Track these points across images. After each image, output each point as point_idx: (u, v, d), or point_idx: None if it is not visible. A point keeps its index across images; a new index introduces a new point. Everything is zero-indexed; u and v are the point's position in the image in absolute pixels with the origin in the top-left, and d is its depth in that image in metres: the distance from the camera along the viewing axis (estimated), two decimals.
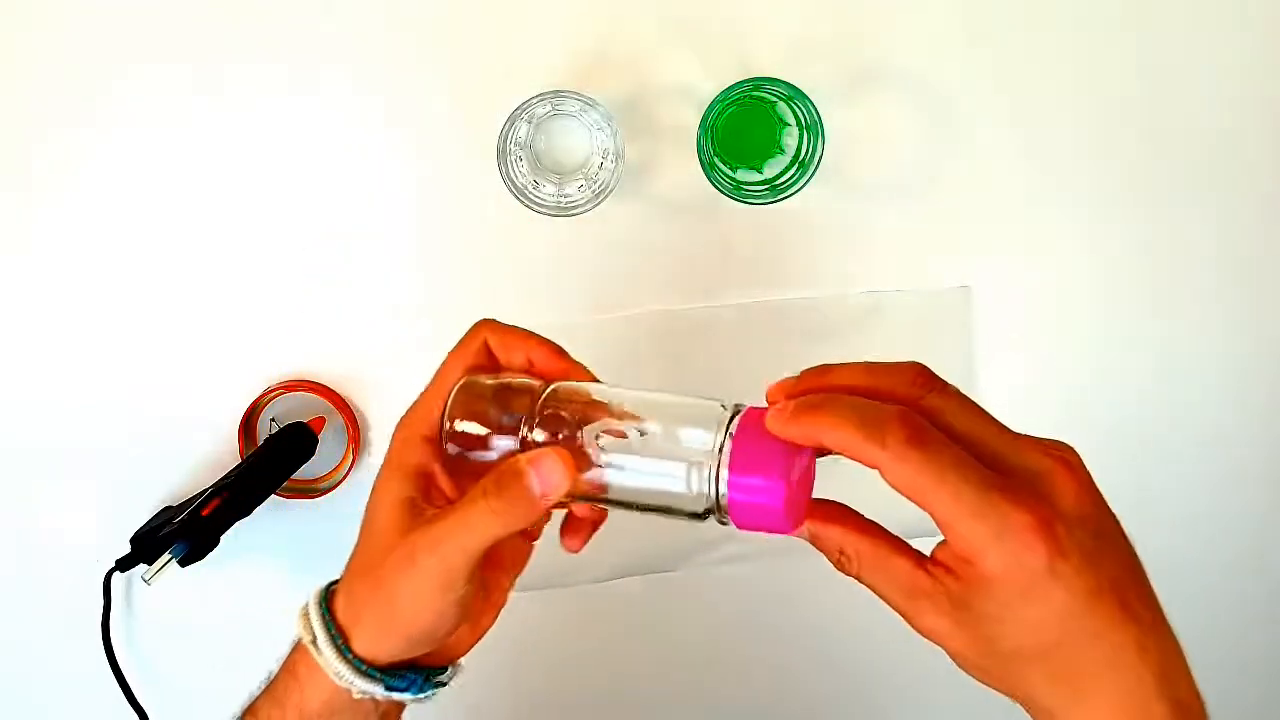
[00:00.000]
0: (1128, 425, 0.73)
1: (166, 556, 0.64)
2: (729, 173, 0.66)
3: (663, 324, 0.70)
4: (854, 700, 0.76)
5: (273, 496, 0.66)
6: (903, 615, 0.39)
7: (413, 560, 0.41)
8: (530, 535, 0.48)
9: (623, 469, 0.41)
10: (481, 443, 0.43)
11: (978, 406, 0.38)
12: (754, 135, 0.67)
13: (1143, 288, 0.72)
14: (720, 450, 0.39)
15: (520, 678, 0.73)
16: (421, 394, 0.45)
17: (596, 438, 0.41)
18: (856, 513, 0.40)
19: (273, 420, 0.68)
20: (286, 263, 0.68)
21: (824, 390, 0.39)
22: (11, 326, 0.68)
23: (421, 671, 0.45)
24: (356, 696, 0.43)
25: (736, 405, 0.40)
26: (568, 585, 0.71)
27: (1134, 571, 0.37)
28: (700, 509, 0.40)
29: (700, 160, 0.64)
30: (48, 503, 0.69)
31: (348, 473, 0.69)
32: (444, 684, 0.46)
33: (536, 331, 0.45)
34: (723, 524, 0.40)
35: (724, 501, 0.39)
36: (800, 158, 0.65)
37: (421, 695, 0.45)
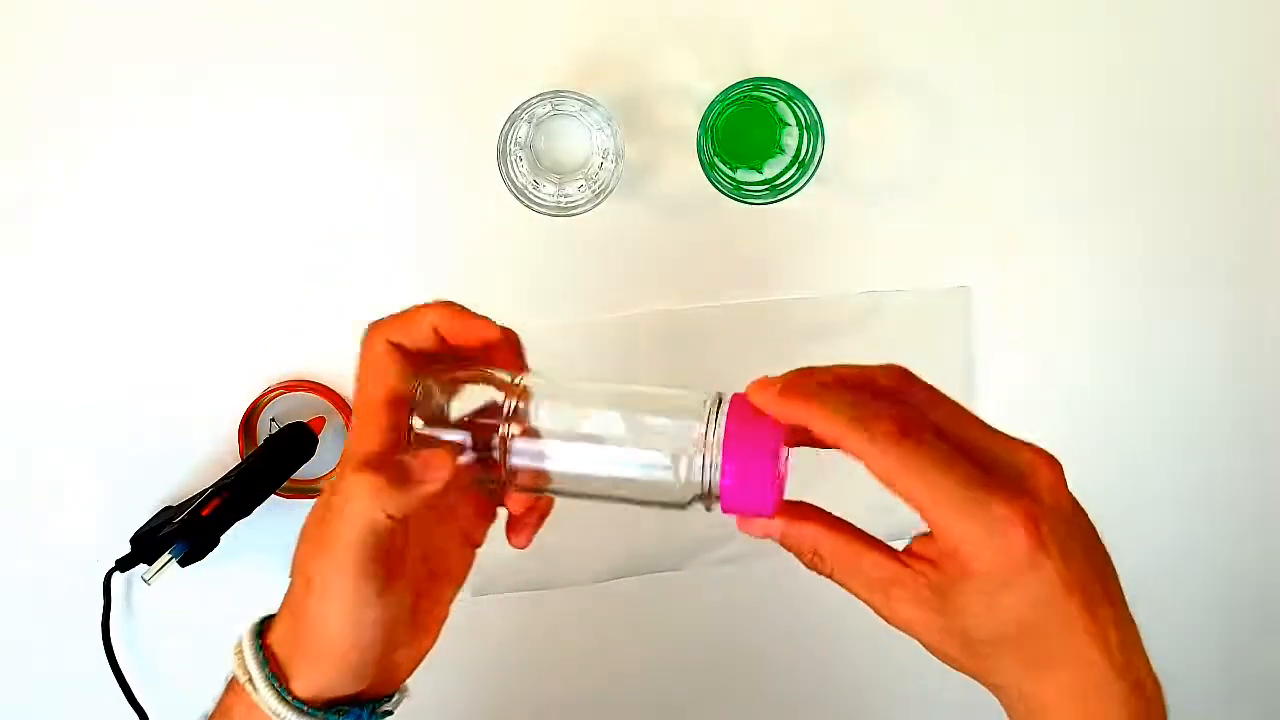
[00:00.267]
0: (1127, 425, 0.73)
1: (166, 556, 0.64)
2: (729, 173, 0.66)
3: (663, 324, 0.70)
4: (854, 700, 0.76)
5: (273, 496, 0.66)
6: (877, 608, 0.40)
7: (312, 581, 0.40)
8: (472, 542, 0.46)
9: (602, 461, 0.41)
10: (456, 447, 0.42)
11: (959, 405, 0.39)
12: (754, 135, 0.67)
13: (1142, 288, 0.72)
14: (713, 423, 0.39)
15: (520, 678, 0.73)
16: (353, 414, 0.43)
17: (574, 430, 0.41)
18: (827, 512, 0.41)
19: (273, 420, 0.68)
20: (286, 263, 0.68)
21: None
22: (11, 326, 0.68)
23: (366, 705, 0.42)
24: None
25: (718, 394, 0.41)
26: (567, 586, 0.71)
27: (1103, 564, 0.39)
28: (686, 497, 0.40)
29: (700, 160, 0.64)
30: (48, 503, 0.69)
31: None
32: (389, 713, 0.44)
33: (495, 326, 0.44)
34: (707, 509, 0.40)
35: (714, 481, 0.39)
36: (800, 158, 0.65)
37: None
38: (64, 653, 0.69)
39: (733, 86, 0.63)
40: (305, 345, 0.69)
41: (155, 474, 0.69)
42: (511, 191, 0.63)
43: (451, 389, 0.42)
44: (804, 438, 0.40)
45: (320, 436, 0.67)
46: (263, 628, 0.43)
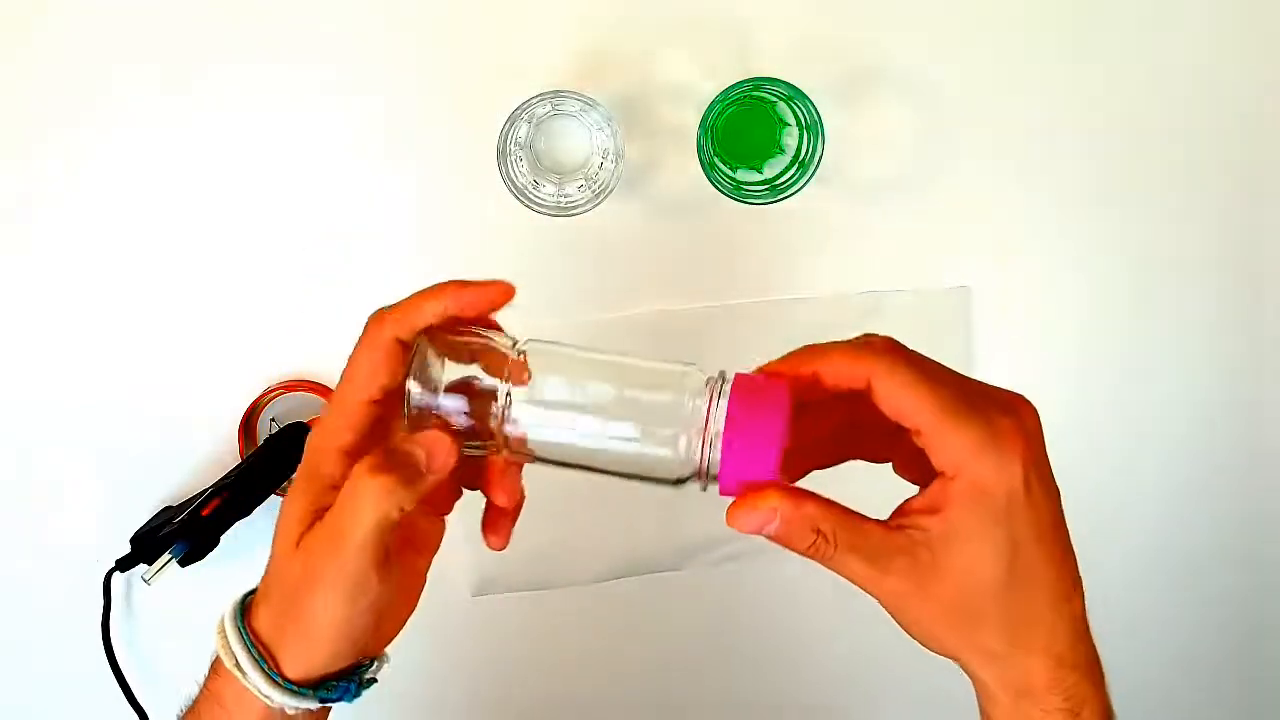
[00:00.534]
0: (1127, 425, 0.73)
1: (166, 556, 0.64)
2: (729, 173, 0.66)
3: (663, 324, 0.70)
4: (854, 699, 0.76)
5: (273, 496, 0.66)
6: (873, 585, 0.40)
7: (316, 574, 0.40)
8: (440, 511, 0.46)
9: (601, 430, 0.40)
10: (457, 408, 0.41)
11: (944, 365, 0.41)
12: (754, 135, 0.67)
13: (1142, 288, 0.72)
14: (718, 395, 0.39)
15: (520, 678, 0.73)
16: (333, 401, 0.43)
17: (574, 399, 0.41)
18: (818, 493, 0.41)
19: (273, 420, 0.68)
20: (286, 263, 0.68)
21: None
22: (12, 326, 0.68)
23: (353, 677, 0.44)
24: (290, 713, 0.42)
25: (721, 371, 0.41)
26: (567, 586, 0.71)
27: (1064, 522, 0.40)
28: (685, 471, 0.40)
29: (700, 160, 0.64)
30: (48, 503, 0.69)
31: None
32: (375, 681, 0.45)
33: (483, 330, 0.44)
34: (703, 488, 0.40)
35: (714, 459, 0.39)
36: (800, 158, 0.65)
37: (356, 699, 0.44)
38: (64, 653, 0.69)
39: (733, 86, 0.63)
40: (305, 345, 0.69)
41: (155, 474, 0.69)
42: (511, 191, 0.63)
43: (449, 353, 0.41)
44: (810, 431, 0.40)
45: None
46: (243, 607, 0.44)
